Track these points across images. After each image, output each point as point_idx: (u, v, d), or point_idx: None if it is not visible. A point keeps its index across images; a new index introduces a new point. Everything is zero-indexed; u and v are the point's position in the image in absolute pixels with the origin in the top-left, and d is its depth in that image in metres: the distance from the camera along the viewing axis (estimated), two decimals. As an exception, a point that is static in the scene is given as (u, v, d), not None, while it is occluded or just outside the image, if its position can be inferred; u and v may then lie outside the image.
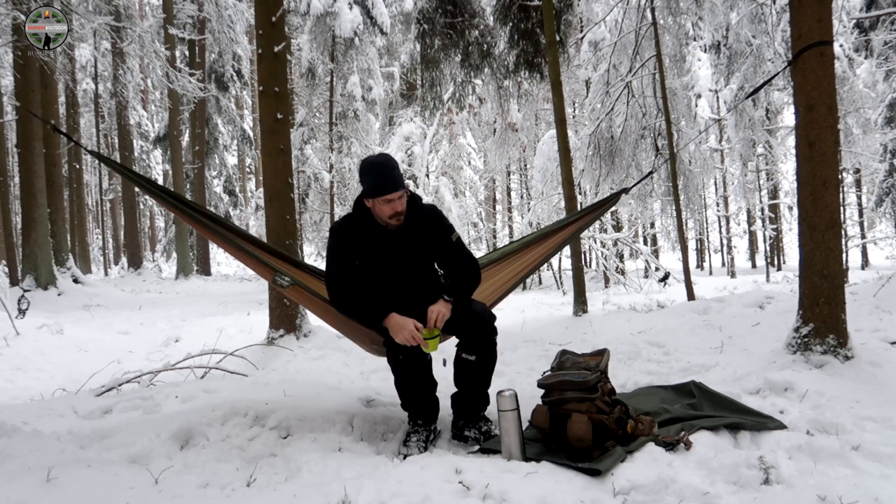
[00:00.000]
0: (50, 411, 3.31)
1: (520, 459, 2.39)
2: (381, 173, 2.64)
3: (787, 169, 20.26)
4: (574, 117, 17.56)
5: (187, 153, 19.29)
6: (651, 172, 4.33)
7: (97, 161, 24.48)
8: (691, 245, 27.91)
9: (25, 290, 6.94)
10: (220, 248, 3.53)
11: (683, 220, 9.52)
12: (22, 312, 6.56)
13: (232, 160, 25.19)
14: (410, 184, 15.41)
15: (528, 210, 18.05)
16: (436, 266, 2.96)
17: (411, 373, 2.70)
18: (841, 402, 2.81)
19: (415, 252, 2.80)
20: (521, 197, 24.21)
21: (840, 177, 5.81)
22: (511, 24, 8.30)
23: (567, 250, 9.20)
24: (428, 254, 2.86)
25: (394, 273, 2.77)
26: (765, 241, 21.72)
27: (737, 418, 2.66)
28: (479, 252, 21.03)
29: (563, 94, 7.03)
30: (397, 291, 2.75)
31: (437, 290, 2.75)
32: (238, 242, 3.14)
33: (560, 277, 16.50)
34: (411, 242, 2.77)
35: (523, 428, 2.48)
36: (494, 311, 3.00)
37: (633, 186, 4.38)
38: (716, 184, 24.26)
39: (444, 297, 2.68)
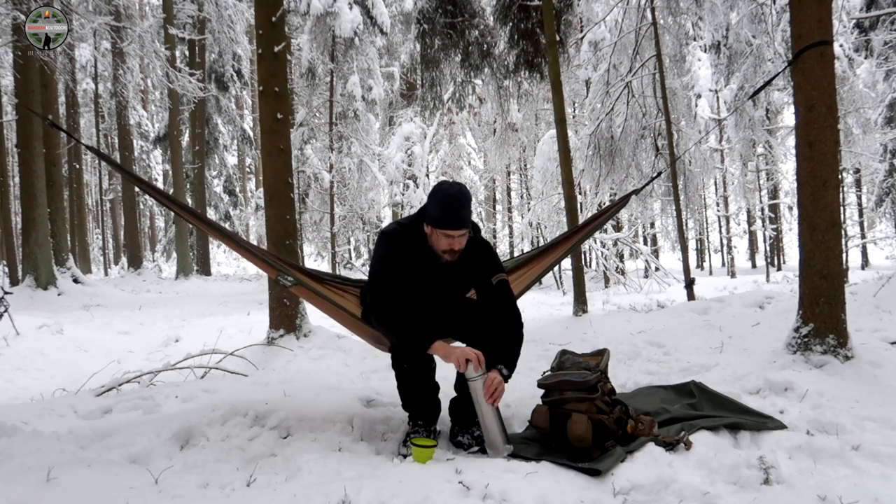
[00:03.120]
0: (50, 411, 3.31)
1: (497, 432, 2.47)
2: (451, 207, 2.53)
3: (787, 169, 20.27)
4: (574, 117, 17.56)
5: (187, 153, 19.29)
6: (659, 174, 4.34)
7: (97, 161, 24.56)
8: (691, 245, 27.91)
9: (7, 292, 6.70)
10: (221, 243, 3.54)
11: (683, 220, 9.53)
12: None
13: (232, 160, 25.21)
14: (410, 184, 15.42)
15: (528, 210, 18.06)
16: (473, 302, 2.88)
17: (416, 379, 2.69)
18: (841, 402, 2.81)
19: (455, 284, 2.74)
20: (521, 197, 24.22)
21: (840, 177, 5.82)
22: (511, 24, 8.30)
23: (567, 250, 9.24)
24: (466, 286, 2.79)
25: (430, 300, 2.71)
26: (765, 241, 21.72)
27: (737, 418, 2.66)
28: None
29: (563, 94, 7.04)
30: (430, 318, 2.70)
31: (488, 351, 2.58)
32: (238, 241, 3.16)
33: (560, 277, 16.51)
34: (455, 275, 2.70)
35: (523, 428, 2.48)
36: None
37: (642, 188, 4.38)
38: (716, 184, 24.26)
39: (502, 371, 2.52)
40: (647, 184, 4.43)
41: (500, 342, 2.61)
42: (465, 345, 2.67)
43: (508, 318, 2.67)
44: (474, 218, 3.38)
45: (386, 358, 2.80)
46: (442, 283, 2.71)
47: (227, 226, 22.82)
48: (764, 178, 21.14)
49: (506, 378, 2.52)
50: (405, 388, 2.73)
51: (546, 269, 3.57)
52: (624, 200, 3.74)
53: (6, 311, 6.44)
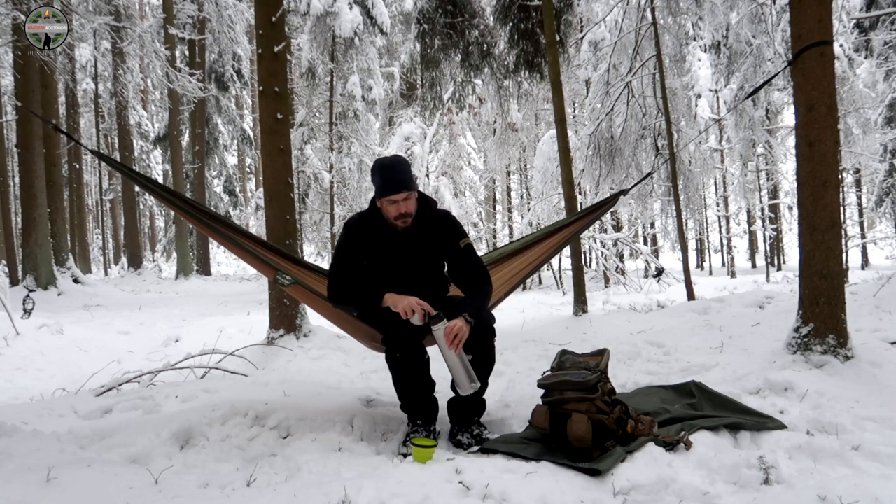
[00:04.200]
0: (50, 411, 3.31)
1: (462, 374, 2.55)
2: (387, 174, 2.67)
3: (787, 169, 20.27)
4: (574, 117, 17.56)
5: (187, 153, 19.29)
6: (650, 173, 4.33)
7: (97, 161, 24.56)
8: (691, 245, 27.92)
9: (30, 291, 6.92)
10: (220, 245, 3.57)
11: (683, 220, 9.53)
12: (27, 312, 6.55)
13: (232, 160, 25.21)
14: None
15: (528, 210, 18.05)
16: (445, 273, 2.95)
17: (410, 371, 2.69)
18: (841, 402, 2.80)
19: (421, 256, 2.81)
20: (521, 197, 24.21)
21: (840, 177, 5.82)
22: (511, 24, 8.30)
23: (567, 250, 9.22)
24: (436, 258, 2.86)
25: (399, 275, 2.78)
26: (765, 241, 21.72)
27: (737, 418, 2.66)
28: (479, 252, 21.01)
29: (563, 94, 7.04)
30: (402, 292, 2.73)
31: (454, 305, 2.70)
32: (238, 241, 3.16)
33: (560, 277, 16.51)
34: (419, 246, 2.79)
35: (523, 428, 2.48)
36: (494, 312, 2.99)
37: (632, 188, 4.38)
38: (716, 184, 24.26)
39: (466, 317, 2.60)
40: (634, 186, 4.44)
41: (469, 297, 2.77)
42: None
43: (478, 277, 2.81)
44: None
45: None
46: (407, 255, 2.79)
47: (227, 226, 22.90)
48: (764, 178, 21.14)
49: (469, 321, 2.60)
50: (400, 383, 2.73)
51: (530, 271, 3.57)
52: (613, 200, 3.73)
53: (33, 308, 6.57)
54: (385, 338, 2.69)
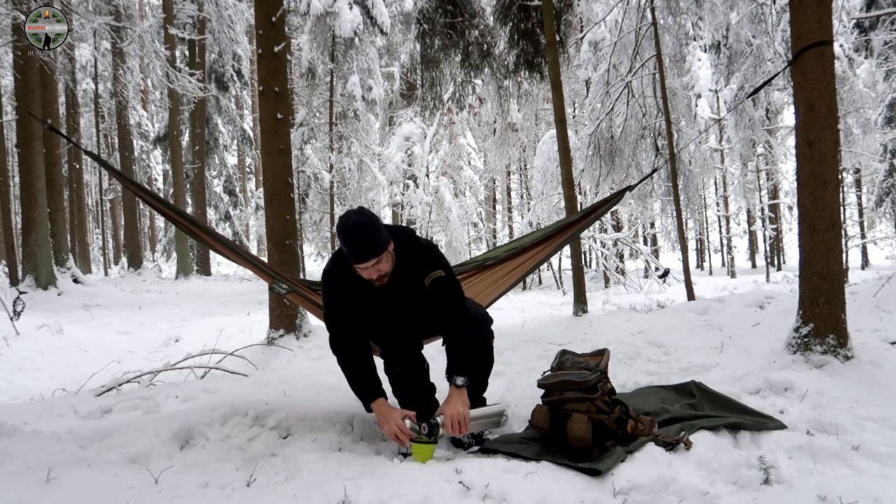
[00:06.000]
0: (50, 411, 3.31)
1: (489, 423, 2.56)
2: (351, 243, 2.38)
3: (787, 169, 20.29)
4: (574, 117, 17.57)
5: (187, 153, 19.29)
6: (655, 169, 4.33)
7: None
8: (691, 245, 27.92)
9: (21, 292, 6.79)
10: (217, 253, 3.53)
11: (683, 220, 9.53)
12: (17, 314, 6.44)
13: (232, 160, 25.21)
14: (410, 184, 15.42)
15: (528, 210, 18.06)
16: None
17: (409, 383, 2.69)
18: (841, 402, 2.80)
19: (404, 306, 2.62)
20: (521, 197, 24.23)
21: (840, 177, 5.82)
22: (511, 24, 8.31)
23: (567, 250, 9.22)
24: (420, 303, 2.62)
25: (389, 325, 2.65)
26: (765, 241, 21.73)
27: (737, 418, 2.65)
28: (478, 252, 21.04)
29: (563, 94, 7.04)
30: (390, 338, 2.64)
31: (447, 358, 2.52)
32: (235, 248, 3.17)
33: (560, 277, 16.51)
34: (399, 297, 2.59)
35: (523, 428, 2.47)
36: (493, 310, 2.98)
37: (638, 184, 4.37)
38: (716, 184, 24.27)
39: (456, 383, 2.40)
40: (639, 182, 4.43)
41: (449, 347, 2.55)
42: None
43: (448, 317, 2.54)
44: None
45: (385, 359, 2.80)
46: (389, 308, 2.61)
47: (227, 226, 22.92)
48: (764, 178, 21.16)
49: (462, 385, 2.45)
50: (399, 393, 2.72)
51: (532, 268, 3.57)
52: (618, 197, 3.72)
53: (23, 310, 6.54)
54: (383, 352, 2.68)
